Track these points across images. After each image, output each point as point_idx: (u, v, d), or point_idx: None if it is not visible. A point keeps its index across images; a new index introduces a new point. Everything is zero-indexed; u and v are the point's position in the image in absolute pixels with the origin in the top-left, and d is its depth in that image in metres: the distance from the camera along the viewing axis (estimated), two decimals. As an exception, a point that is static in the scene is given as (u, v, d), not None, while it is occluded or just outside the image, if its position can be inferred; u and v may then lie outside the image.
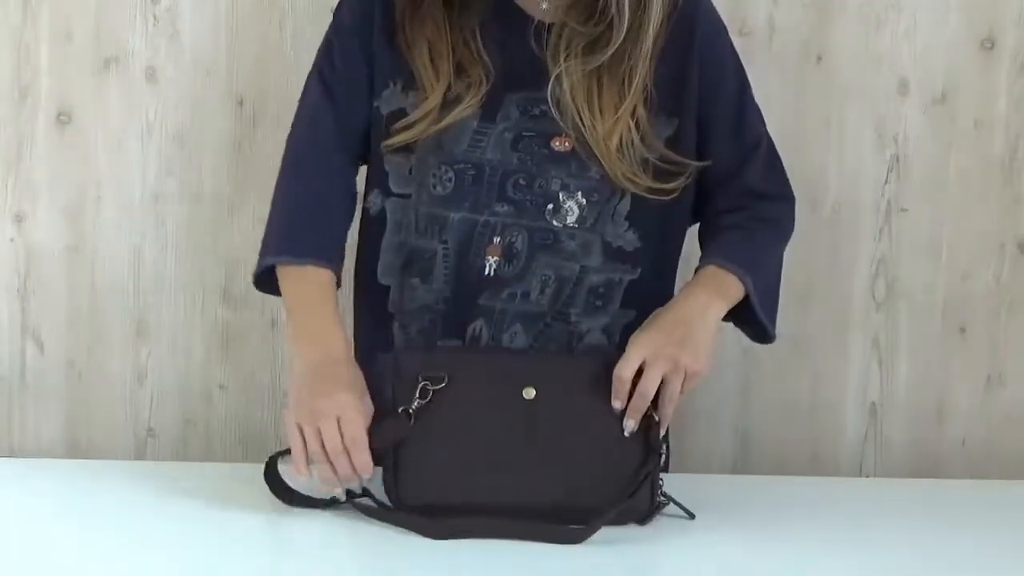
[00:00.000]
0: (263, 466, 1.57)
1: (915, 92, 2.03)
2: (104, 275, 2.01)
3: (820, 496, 1.72)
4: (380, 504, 1.51)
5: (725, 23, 1.75)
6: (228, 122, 1.98)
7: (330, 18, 1.71)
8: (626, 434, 1.52)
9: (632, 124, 1.63)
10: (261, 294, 2.00)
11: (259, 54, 1.98)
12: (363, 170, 1.73)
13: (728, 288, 1.62)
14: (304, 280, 1.63)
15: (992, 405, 2.10)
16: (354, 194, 1.72)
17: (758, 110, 1.75)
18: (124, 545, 1.42)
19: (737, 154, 1.71)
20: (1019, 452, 2.09)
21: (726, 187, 1.71)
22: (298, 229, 1.66)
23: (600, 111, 1.62)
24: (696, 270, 1.66)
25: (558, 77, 1.62)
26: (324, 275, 1.63)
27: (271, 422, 2.05)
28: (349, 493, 1.53)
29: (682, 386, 1.55)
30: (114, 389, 2.03)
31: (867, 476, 2.09)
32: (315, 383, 1.54)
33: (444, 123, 1.62)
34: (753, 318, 1.65)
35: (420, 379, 1.51)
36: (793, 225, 1.77)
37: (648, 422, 1.53)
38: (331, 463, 1.50)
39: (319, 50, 1.71)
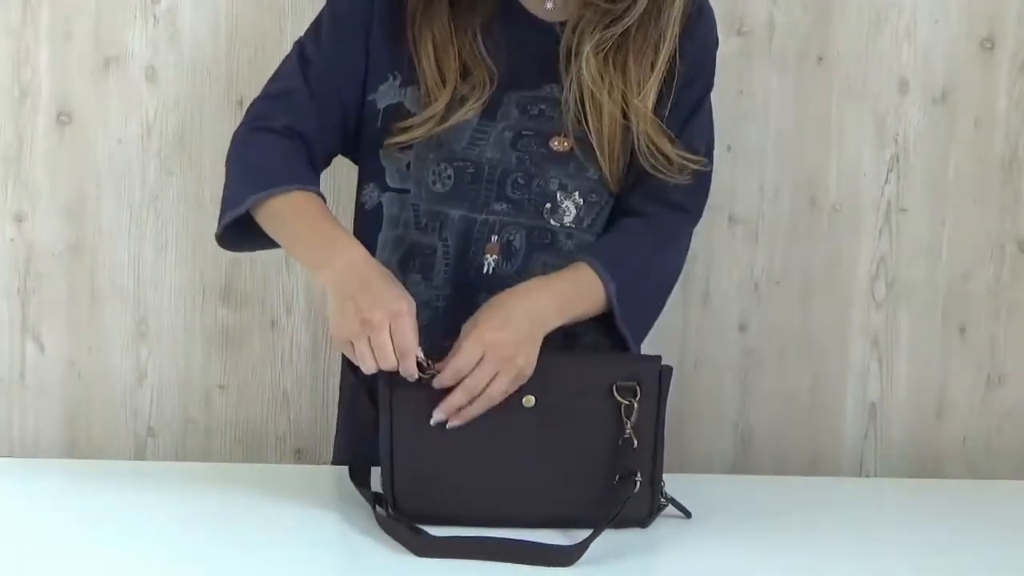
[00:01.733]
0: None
1: (915, 92, 2.03)
2: (104, 275, 2.00)
3: (820, 496, 1.72)
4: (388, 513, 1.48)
5: (725, 23, 1.75)
6: (228, 122, 1.97)
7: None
8: (433, 423, 1.46)
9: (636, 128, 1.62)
10: (261, 294, 2.01)
11: (259, 54, 1.97)
12: (345, 164, 1.73)
13: (585, 295, 1.57)
14: (289, 203, 1.57)
15: (992, 404, 2.09)
16: (317, 167, 1.66)
17: (711, 129, 1.71)
18: (124, 545, 1.42)
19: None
20: (1019, 452, 2.09)
21: (645, 184, 1.65)
22: (267, 171, 1.59)
23: (607, 114, 1.61)
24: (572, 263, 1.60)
25: (567, 76, 1.62)
26: (309, 195, 1.57)
27: (271, 422, 2.05)
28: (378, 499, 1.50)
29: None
30: (114, 389, 2.03)
31: (867, 476, 2.09)
32: (356, 295, 1.46)
33: (447, 124, 1.62)
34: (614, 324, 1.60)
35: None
36: (689, 241, 1.72)
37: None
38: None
39: (307, 29, 1.69)
